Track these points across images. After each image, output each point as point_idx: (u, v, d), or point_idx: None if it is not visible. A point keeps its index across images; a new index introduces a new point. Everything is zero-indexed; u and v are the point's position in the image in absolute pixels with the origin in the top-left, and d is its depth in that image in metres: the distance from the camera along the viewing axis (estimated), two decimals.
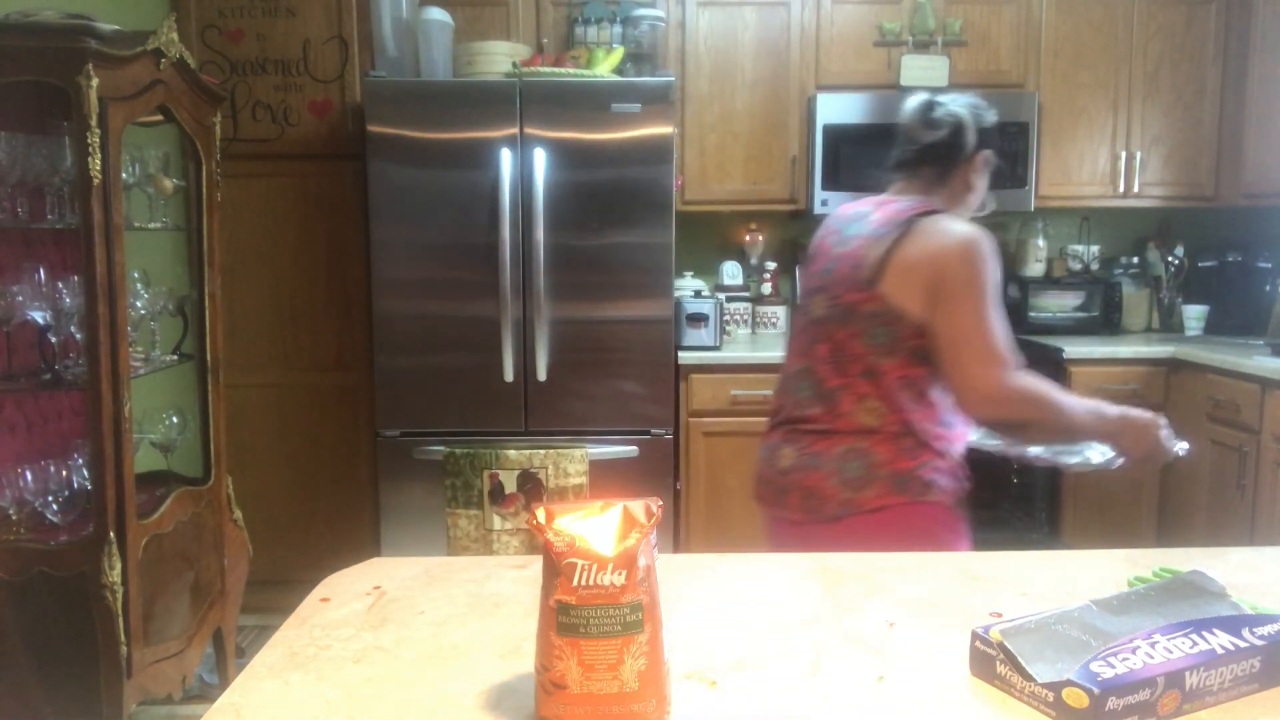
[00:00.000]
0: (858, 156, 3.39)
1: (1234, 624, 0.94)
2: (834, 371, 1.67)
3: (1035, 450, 1.77)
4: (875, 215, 1.70)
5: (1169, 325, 3.76)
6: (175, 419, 2.52)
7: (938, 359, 1.60)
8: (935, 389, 1.64)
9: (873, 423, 1.64)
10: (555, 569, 0.85)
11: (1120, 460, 1.66)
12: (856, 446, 1.64)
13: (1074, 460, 1.74)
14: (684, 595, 1.18)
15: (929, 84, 3.41)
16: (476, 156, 2.89)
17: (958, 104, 1.73)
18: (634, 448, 3.00)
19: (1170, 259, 3.73)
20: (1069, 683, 0.84)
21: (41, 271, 2.15)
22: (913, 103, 1.75)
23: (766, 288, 3.74)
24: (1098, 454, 1.70)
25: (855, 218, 1.74)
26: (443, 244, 2.92)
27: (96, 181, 2.01)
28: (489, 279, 2.90)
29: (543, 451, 2.94)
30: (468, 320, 2.94)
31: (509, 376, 2.92)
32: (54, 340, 2.16)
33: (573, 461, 2.94)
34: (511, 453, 2.94)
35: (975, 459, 1.75)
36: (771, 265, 3.75)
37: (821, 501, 1.65)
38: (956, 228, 1.63)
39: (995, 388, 1.55)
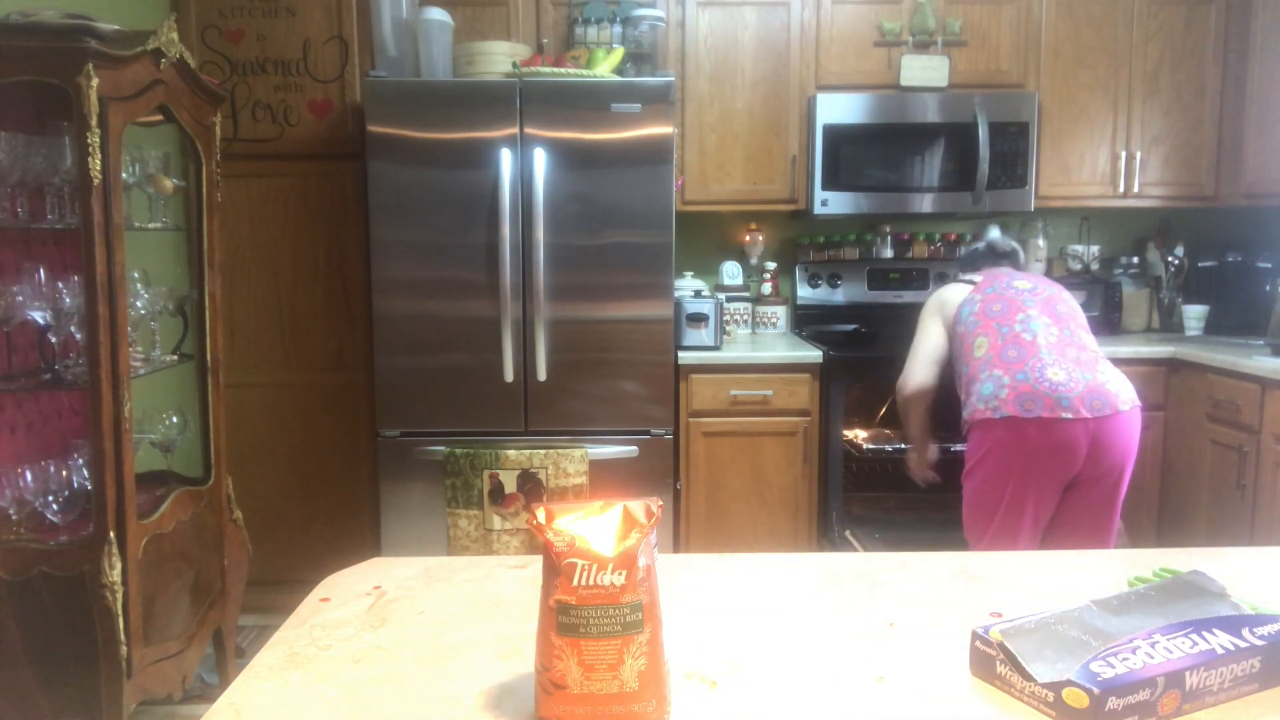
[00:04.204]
0: (858, 156, 3.39)
1: (1234, 624, 0.94)
2: None
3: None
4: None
5: (1169, 325, 3.76)
6: (175, 419, 2.52)
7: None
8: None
9: None
10: (555, 569, 0.85)
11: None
12: None
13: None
14: (684, 595, 1.18)
15: (929, 84, 3.41)
16: (476, 156, 2.89)
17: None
18: (634, 448, 3.00)
19: (1170, 259, 3.73)
20: (1069, 683, 0.84)
21: (41, 271, 2.15)
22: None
23: (766, 288, 3.74)
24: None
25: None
26: (443, 244, 2.91)
27: (96, 181, 2.00)
28: (489, 279, 2.91)
29: (543, 451, 2.94)
30: (468, 320, 2.94)
31: (509, 376, 2.92)
32: (54, 340, 2.16)
33: (573, 461, 2.94)
34: (511, 453, 2.94)
35: None
36: (771, 265, 3.74)
37: None
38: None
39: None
